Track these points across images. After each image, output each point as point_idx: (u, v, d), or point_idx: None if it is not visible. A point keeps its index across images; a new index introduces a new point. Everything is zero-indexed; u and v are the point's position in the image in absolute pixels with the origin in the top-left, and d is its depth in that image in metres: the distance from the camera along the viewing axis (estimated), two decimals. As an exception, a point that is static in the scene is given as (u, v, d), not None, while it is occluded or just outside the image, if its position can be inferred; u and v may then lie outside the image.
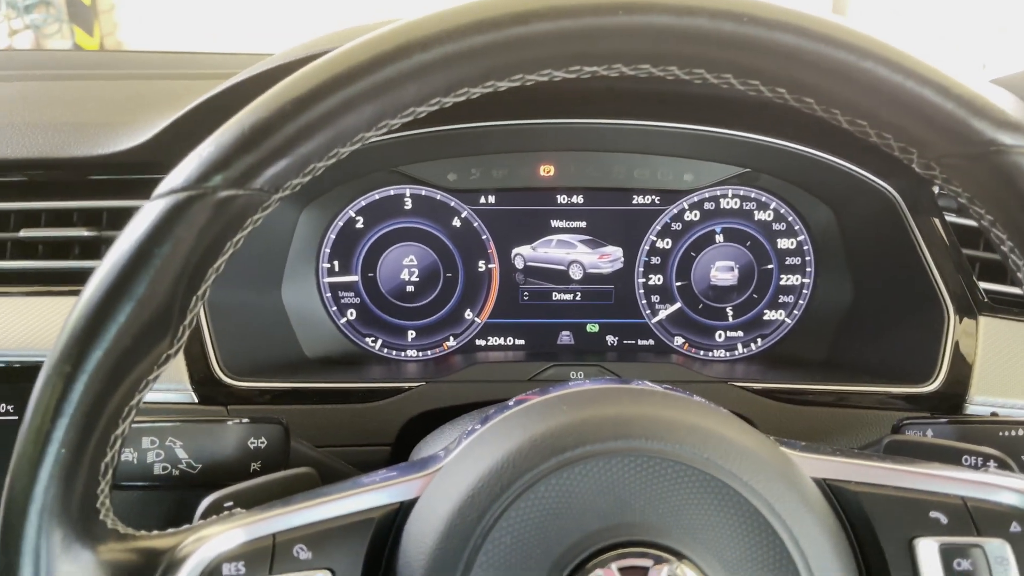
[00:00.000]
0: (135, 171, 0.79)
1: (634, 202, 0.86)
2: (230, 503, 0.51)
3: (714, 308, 0.88)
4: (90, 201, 0.79)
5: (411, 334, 0.88)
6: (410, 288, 0.88)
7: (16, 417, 0.69)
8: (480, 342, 0.89)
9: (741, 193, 0.86)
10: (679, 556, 0.43)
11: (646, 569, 0.42)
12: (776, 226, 0.87)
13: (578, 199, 0.86)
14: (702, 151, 0.84)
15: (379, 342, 0.88)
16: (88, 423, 0.42)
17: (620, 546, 0.43)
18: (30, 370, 0.70)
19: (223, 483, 0.59)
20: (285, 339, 0.84)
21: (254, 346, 0.79)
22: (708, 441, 0.45)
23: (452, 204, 0.86)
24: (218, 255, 0.44)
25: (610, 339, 0.89)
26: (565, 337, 0.89)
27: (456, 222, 0.86)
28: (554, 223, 0.87)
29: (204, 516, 0.52)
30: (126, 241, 0.43)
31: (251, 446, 0.59)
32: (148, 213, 0.43)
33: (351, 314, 0.88)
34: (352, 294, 0.87)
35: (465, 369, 0.79)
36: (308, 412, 0.74)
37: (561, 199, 0.86)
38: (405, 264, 0.87)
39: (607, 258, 0.87)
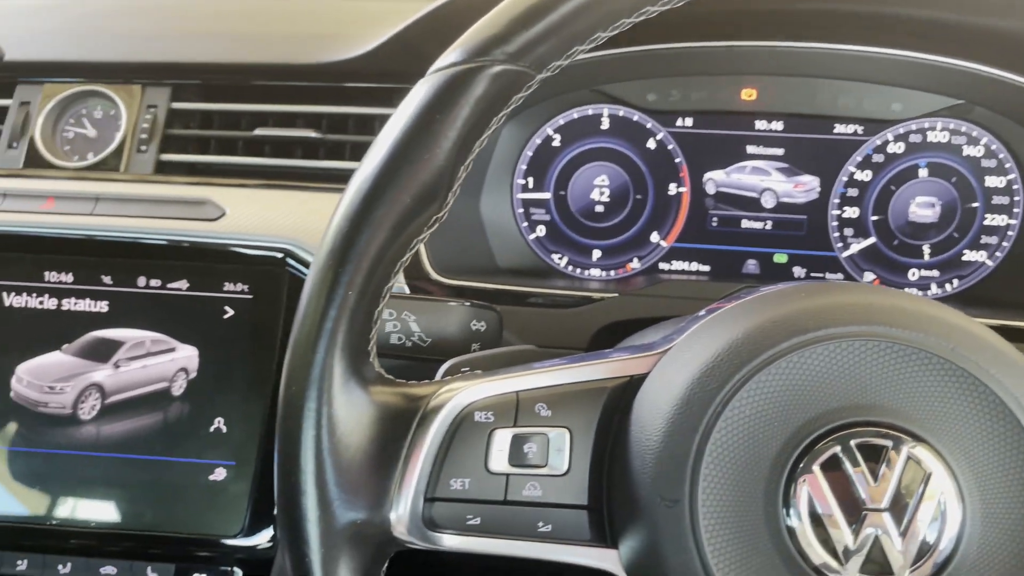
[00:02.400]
0: (354, 79, 0.85)
1: (835, 131, 0.85)
2: (467, 368, 0.56)
3: (910, 245, 0.87)
4: (313, 106, 0.85)
5: (596, 253, 0.91)
6: (599, 208, 0.90)
7: (251, 296, 0.76)
8: (664, 265, 0.90)
9: (951, 126, 0.83)
10: (917, 439, 0.44)
11: (884, 448, 0.44)
12: (986, 163, 0.84)
13: (777, 125, 0.86)
14: (913, 80, 0.81)
15: (565, 259, 0.91)
16: (370, 271, 0.46)
17: (858, 425, 0.44)
18: (265, 255, 0.77)
19: (447, 358, 0.64)
20: (480, 247, 0.88)
21: (457, 250, 0.83)
22: (953, 333, 0.45)
23: (648, 125, 0.87)
24: (485, 129, 0.48)
25: (797, 271, 0.88)
26: (751, 266, 0.89)
27: (651, 143, 0.88)
28: (750, 149, 0.87)
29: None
30: (410, 109, 0.47)
31: (473, 328, 0.64)
32: (432, 83, 0.47)
33: (540, 230, 0.91)
34: (543, 211, 0.90)
35: (655, 286, 0.81)
36: (507, 312, 0.78)
37: (760, 124, 0.86)
38: (596, 184, 0.89)
39: (802, 187, 0.87)
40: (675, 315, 0.74)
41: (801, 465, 0.44)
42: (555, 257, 0.91)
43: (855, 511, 0.43)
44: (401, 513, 0.47)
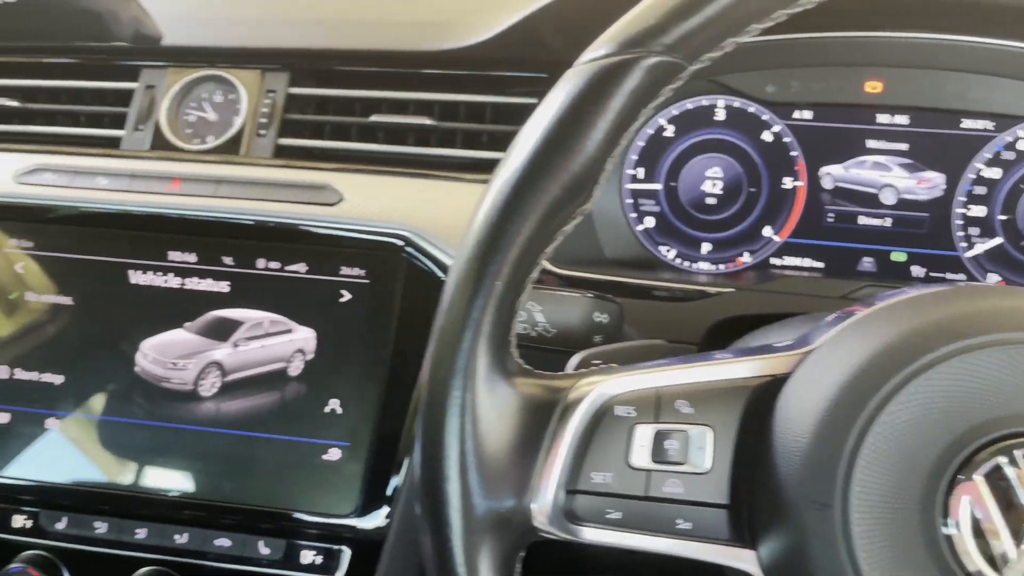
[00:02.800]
0: (470, 67, 0.85)
1: (962, 126, 0.82)
2: (598, 360, 0.55)
3: (1039, 246, 0.83)
4: (426, 93, 0.86)
5: (706, 247, 0.90)
6: (711, 200, 0.88)
7: (368, 281, 0.77)
8: (776, 261, 0.88)
9: (1090, 123, 0.80)
10: (1089, 452, 0.42)
11: (1053, 461, 0.42)
12: None
13: (902, 119, 0.83)
14: (1052, 74, 0.78)
15: (673, 252, 0.90)
16: (517, 261, 0.46)
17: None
18: (383, 241, 0.78)
19: (569, 349, 0.64)
20: (588, 237, 0.88)
21: (566, 239, 0.83)
22: None
23: (765, 117, 0.86)
24: (634, 120, 0.47)
25: (916, 270, 0.86)
26: (867, 264, 0.87)
27: (767, 136, 0.86)
28: (870, 143, 0.84)
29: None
30: (563, 98, 0.47)
31: (595, 319, 0.63)
32: (586, 73, 0.46)
33: (649, 222, 0.90)
34: (652, 202, 0.89)
35: (772, 282, 0.80)
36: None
37: (882, 118, 0.83)
38: (708, 176, 0.88)
39: (925, 184, 0.84)
40: (793, 313, 0.73)
41: (961, 475, 0.42)
42: (663, 249, 0.90)
43: (1017, 521, 0.42)
44: (542, 504, 0.47)
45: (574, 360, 0.55)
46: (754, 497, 0.47)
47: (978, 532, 0.42)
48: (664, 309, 0.78)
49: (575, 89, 0.46)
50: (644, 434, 0.48)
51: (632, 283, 0.78)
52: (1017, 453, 0.42)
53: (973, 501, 0.42)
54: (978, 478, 0.42)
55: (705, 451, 0.48)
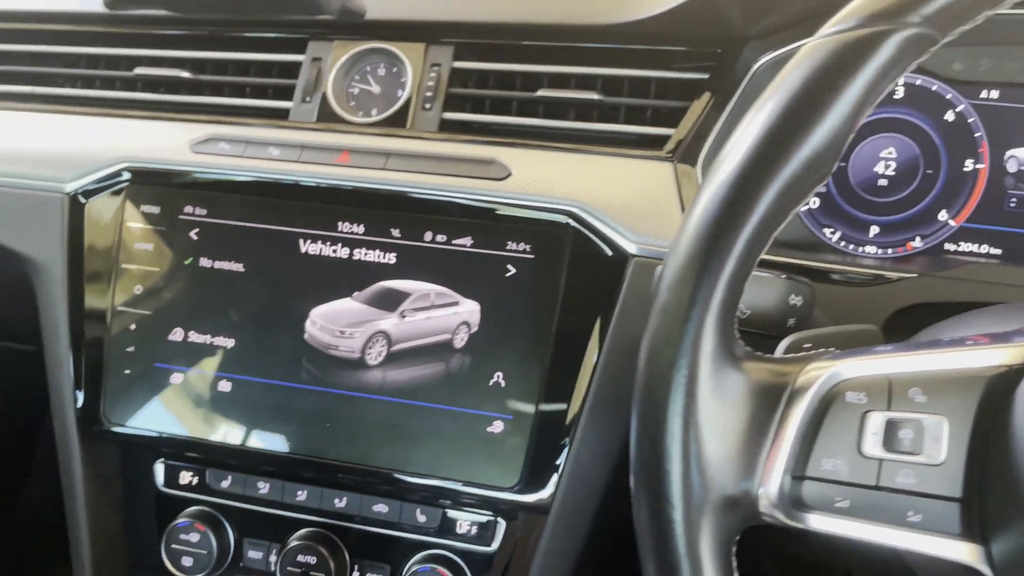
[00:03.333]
0: (638, 41, 0.84)
1: None
2: (808, 344, 0.54)
3: None
4: (590, 68, 0.85)
5: (874, 229, 0.86)
6: (882, 182, 0.85)
7: (533, 256, 0.77)
8: (950, 247, 0.84)
9: None
10: None
11: None
12: None
13: (1101, 100, 0.78)
14: None
15: (837, 234, 0.87)
16: (751, 238, 0.45)
17: None
18: (550, 217, 0.77)
19: (762, 331, 0.62)
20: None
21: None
22: None
23: (949, 96, 0.82)
24: (880, 94, 0.45)
25: (1106, 258, 0.81)
26: (1050, 252, 0.82)
27: (949, 116, 0.82)
28: (1064, 126, 0.79)
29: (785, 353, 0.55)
30: (809, 72, 0.45)
31: (790, 302, 0.62)
32: (836, 46, 0.45)
33: (814, 203, 0.87)
34: (819, 182, 0.86)
35: (958, 268, 0.76)
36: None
37: (1080, 99, 0.79)
38: (882, 156, 0.85)
39: (1123, 169, 0.79)
40: (979, 301, 0.69)
41: None
42: (827, 231, 0.87)
43: None
44: (768, 489, 0.46)
45: (784, 344, 0.54)
46: (990, 491, 0.45)
47: None
48: (845, 294, 0.75)
49: (822, 61, 0.45)
50: (876, 422, 0.46)
51: (817, 267, 0.76)
52: None
53: None
54: None
55: (940, 442, 0.46)
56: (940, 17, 0.43)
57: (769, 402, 0.47)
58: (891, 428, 0.46)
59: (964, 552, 0.46)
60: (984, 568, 0.46)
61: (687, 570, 0.45)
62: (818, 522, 0.46)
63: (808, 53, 0.46)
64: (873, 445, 0.46)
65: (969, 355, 0.47)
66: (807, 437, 0.46)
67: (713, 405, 0.46)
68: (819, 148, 0.45)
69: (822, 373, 0.47)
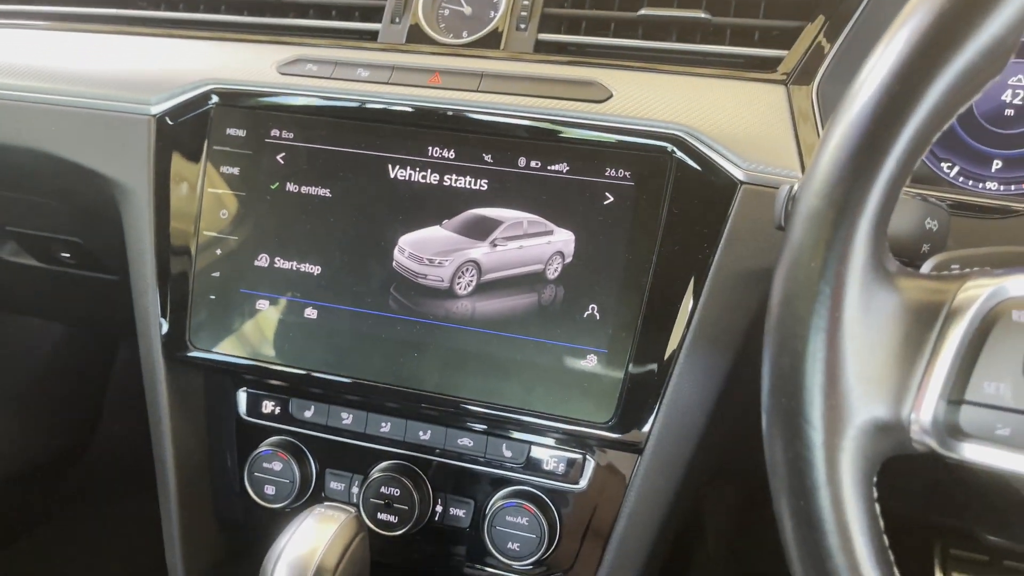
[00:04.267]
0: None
1: None
2: (956, 265, 0.49)
3: None
4: None
5: (996, 164, 0.80)
6: (1009, 112, 0.79)
7: (633, 183, 0.73)
8: (1082, 183, 0.78)
9: None
10: None
11: None
12: None
13: None
14: None
15: (956, 168, 0.81)
16: (917, 136, 0.41)
17: None
18: (652, 143, 0.73)
19: (897, 256, 0.58)
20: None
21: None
22: None
23: (1092, 16, 0.75)
24: None
25: None
26: None
27: (1091, 38, 0.75)
28: None
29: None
30: None
31: (927, 226, 0.57)
32: None
33: (931, 134, 0.81)
34: (938, 112, 0.81)
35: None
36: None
37: None
38: (1011, 84, 0.78)
39: None
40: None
41: None
42: (944, 166, 0.81)
43: None
44: (922, 414, 0.42)
45: (930, 263, 0.50)
46: None
47: None
48: (970, 227, 0.70)
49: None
50: (1046, 344, 0.42)
51: (930, 193, 0.71)
52: None
53: None
54: None
55: (1119, 368, 0.41)
56: None
57: (925, 321, 0.43)
58: (1063, 351, 0.42)
59: None
60: None
61: (826, 499, 0.42)
62: (975, 452, 0.42)
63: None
64: (1043, 369, 0.42)
65: None
66: (967, 359, 0.42)
67: (862, 321, 0.42)
68: (998, 35, 0.40)
69: (984, 290, 0.43)
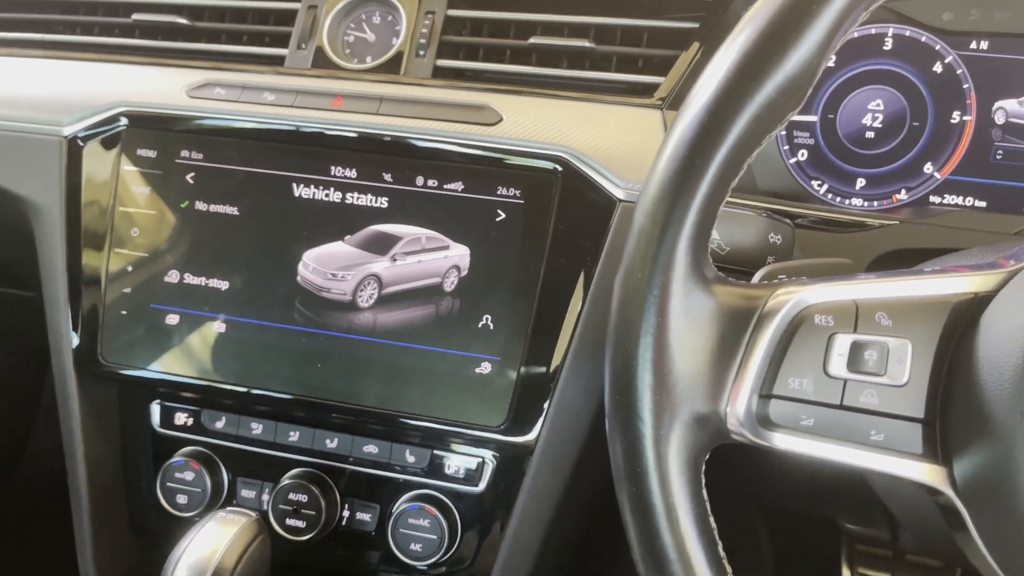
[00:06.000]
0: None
1: None
2: (782, 275, 0.55)
3: None
4: (582, 17, 0.85)
5: (860, 182, 0.87)
6: (870, 134, 0.86)
7: (522, 201, 0.78)
8: (935, 199, 0.85)
9: None
10: None
11: None
12: None
13: (1089, 51, 0.79)
14: None
15: (825, 186, 0.88)
16: (725, 162, 0.46)
17: None
18: (539, 163, 0.78)
19: (741, 268, 0.63)
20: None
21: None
22: None
23: (937, 47, 0.82)
24: (854, 22, 0.46)
25: (1090, 211, 0.82)
26: (1035, 204, 0.83)
27: (937, 67, 0.83)
28: (1052, 77, 0.80)
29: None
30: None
31: (770, 240, 0.63)
32: None
33: (802, 155, 0.88)
34: (807, 134, 0.87)
35: (939, 216, 0.77)
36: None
37: (1068, 50, 0.79)
38: (870, 108, 0.85)
39: (1109, 121, 0.79)
40: (959, 248, 0.71)
41: None
42: (815, 184, 0.88)
43: None
44: (736, 407, 0.48)
45: (760, 274, 0.55)
46: (950, 412, 0.47)
47: None
48: (826, 239, 0.76)
49: (799, -6, 0.46)
50: (842, 343, 0.47)
51: (791, 210, 0.77)
52: None
53: None
54: None
55: (904, 364, 0.47)
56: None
57: (739, 324, 0.48)
58: (856, 350, 0.47)
59: (926, 472, 0.48)
60: (947, 489, 0.47)
61: (655, 483, 0.47)
62: (783, 441, 0.48)
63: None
64: (838, 366, 0.47)
65: (936, 282, 0.49)
66: (775, 358, 0.48)
67: (684, 325, 0.47)
68: (793, 74, 0.46)
69: (791, 297, 0.48)
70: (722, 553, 0.49)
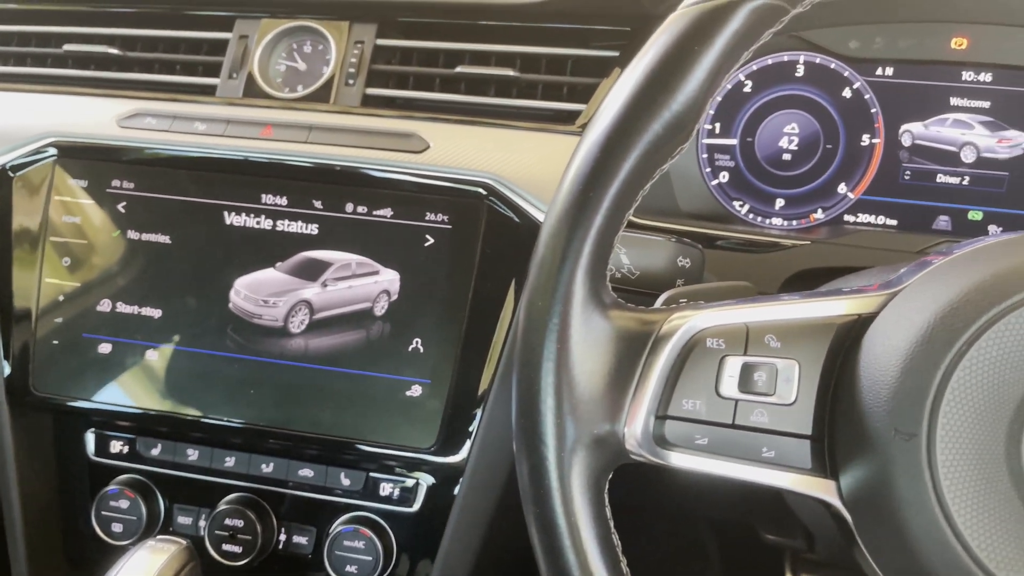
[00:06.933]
0: (552, 20, 0.87)
1: (1049, 85, 0.82)
2: (684, 299, 0.57)
3: (1123, 208, 0.83)
4: (508, 46, 0.87)
5: (779, 202, 0.90)
6: (786, 156, 0.89)
7: (450, 227, 0.80)
8: (849, 218, 0.89)
9: None
10: None
11: None
12: None
13: (986, 77, 0.83)
14: None
15: (746, 207, 0.91)
16: (617, 195, 0.49)
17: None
18: (466, 188, 0.80)
19: (651, 291, 0.66)
20: (664, 190, 0.89)
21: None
22: None
23: (846, 74, 0.86)
24: (736, 61, 0.49)
25: (993, 229, 0.86)
26: (942, 222, 0.87)
27: (847, 92, 0.86)
28: (953, 101, 0.84)
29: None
30: (669, 40, 0.48)
31: (679, 264, 0.65)
32: (692, 16, 0.48)
33: (723, 177, 0.91)
34: (728, 157, 0.91)
35: (848, 236, 0.81)
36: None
37: (967, 75, 0.83)
38: (785, 132, 0.89)
39: (1007, 143, 0.83)
40: (867, 266, 0.74)
41: (1047, 409, 0.44)
42: (736, 204, 0.91)
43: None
44: (634, 428, 0.50)
45: (662, 298, 0.57)
46: (837, 429, 0.49)
47: (1062, 466, 0.43)
48: (741, 260, 0.79)
49: (680, 30, 0.48)
50: (733, 365, 0.50)
51: (709, 233, 0.80)
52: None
53: (1058, 436, 0.44)
54: (1064, 413, 0.44)
55: (791, 384, 0.50)
56: (785, -11, 0.47)
57: (635, 348, 0.50)
58: (747, 371, 0.50)
59: (816, 486, 0.50)
60: (835, 501, 0.50)
61: (558, 503, 0.49)
62: (680, 459, 0.50)
63: (670, 23, 0.49)
64: (729, 387, 0.50)
65: (821, 305, 0.51)
66: (669, 380, 0.50)
67: (583, 350, 0.49)
68: (679, 112, 0.48)
69: (685, 322, 0.51)
70: (626, 570, 0.51)
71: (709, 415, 0.49)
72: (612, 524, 0.51)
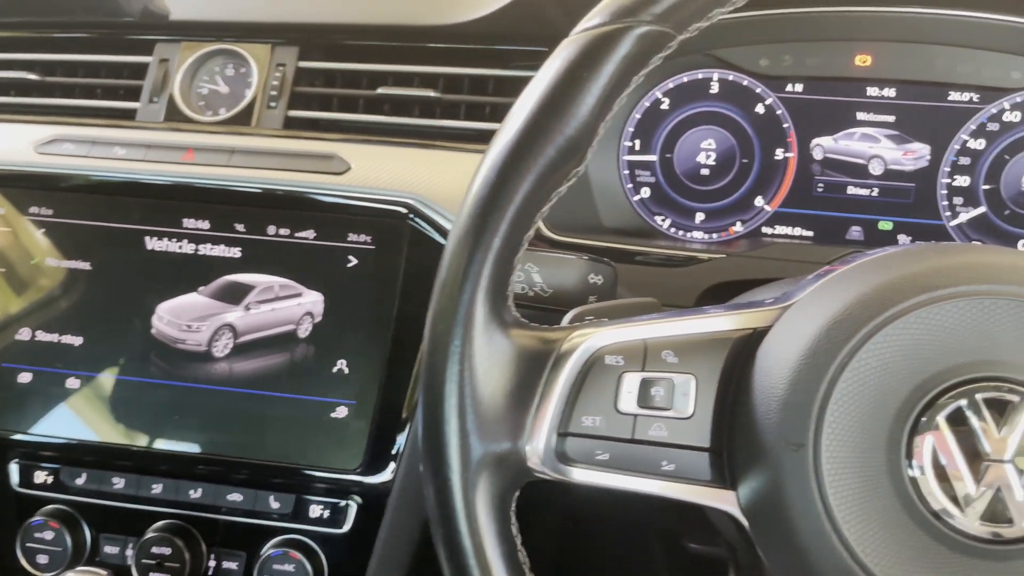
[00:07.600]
0: (472, 41, 0.88)
1: (949, 98, 0.85)
2: (591, 316, 0.59)
3: (1021, 216, 0.86)
4: (430, 67, 0.88)
5: (699, 216, 0.92)
6: (704, 171, 0.91)
7: (373, 247, 0.81)
8: (767, 230, 0.91)
9: (1073, 96, 0.82)
10: (1047, 398, 0.45)
11: (1009, 403, 0.45)
12: (1107, 134, 0.82)
13: (890, 92, 0.86)
14: (1036, 48, 0.80)
15: (668, 221, 0.93)
16: (514, 219, 0.50)
17: (985, 380, 0.46)
18: (388, 208, 0.81)
19: (565, 308, 0.67)
20: (587, 207, 0.91)
21: (565, 208, 0.84)
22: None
23: (758, 90, 0.88)
24: (626, 87, 0.50)
25: (902, 238, 0.89)
26: (855, 232, 0.89)
27: (759, 108, 0.89)
28: (860, 115, 0.87)
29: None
30: (559, 66, 0.50)
31: (590, 281, 0.67)
32: (580, 42, 0.49)
33: (645, 192, 0.93)
34: (648, 173, 0.92)
35: (762, 248, 0.83)
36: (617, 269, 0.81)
37: (872, 91, 0.86)
38: (703, 147, 0.91)
39: (912, 155, 0.87)
40: (781, 277, 0.76)
41: (925, 417, 0.46)
42: (658, 219, 0.93)
43: (978, 463, 0.45)
44: (536, 446, 0.51)
45: (568, 316, 0.59)
46: (734, 441, 0.51)
47: (941, 473, 0.45)
48: (658, 274, 0.81)
49: (569, 56, 0.49)
50: (631, 381, 0.51)
51: (627, 248, 0.82)
52: (978, 396, 0.45)
53: (936, 444, 0.45)
54: (941, 421, 0.45)
55: (689, 397, 0.51)
56: (671, 16, 0.48)
57: (536, 367, 0.51)
58: (645, 386, 0.51)
59: (716, 497, 0.51)
60: (735, 511, 0.51)
61: (463, 525, 0.49)
62: (581, 475, 0.51)
63: (561, 49, 0.51)
64: (628, 402, 0.51)
65: (718, 320, 0.53)
66: (570, 397, 0.51)
67: (485, 370, 0.50)
68: (572, 136, 0.49)
69: (585, 339, 0.52)
70: None
71: (609, 431, 0.50)
72: (519, 542, 0.51)
